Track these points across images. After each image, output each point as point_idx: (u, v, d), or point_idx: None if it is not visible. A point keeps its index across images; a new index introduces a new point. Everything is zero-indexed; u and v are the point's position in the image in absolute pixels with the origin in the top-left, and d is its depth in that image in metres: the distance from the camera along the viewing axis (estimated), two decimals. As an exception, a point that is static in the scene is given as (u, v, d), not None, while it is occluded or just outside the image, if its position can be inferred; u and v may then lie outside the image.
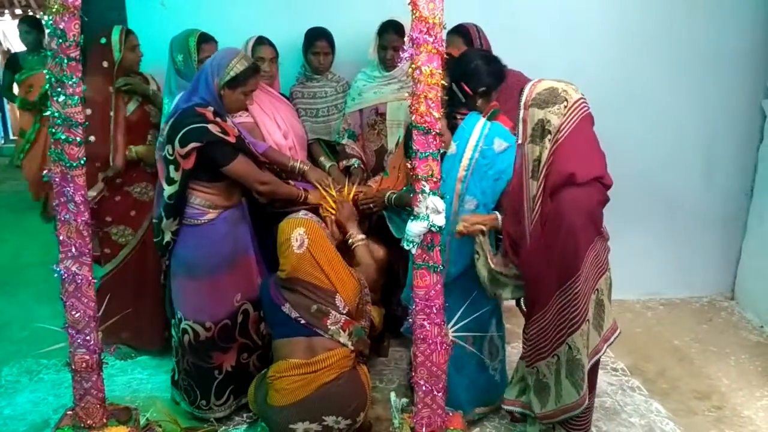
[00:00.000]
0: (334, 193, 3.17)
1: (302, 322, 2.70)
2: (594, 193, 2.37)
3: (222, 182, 2.86)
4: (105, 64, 3.39)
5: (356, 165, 3.49)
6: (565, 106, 2.31)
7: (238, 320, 3.03)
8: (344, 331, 2.73)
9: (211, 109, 2.79)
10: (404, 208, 2.98)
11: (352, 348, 2.75)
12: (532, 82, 2.41)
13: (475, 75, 2.76)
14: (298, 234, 2.68)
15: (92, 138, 3.23)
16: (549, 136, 2.31)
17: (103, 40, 3.37)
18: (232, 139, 2.78)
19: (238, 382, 3.08)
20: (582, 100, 2.35)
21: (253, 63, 2.88)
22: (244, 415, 3.17)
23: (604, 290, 2.44)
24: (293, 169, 3.23)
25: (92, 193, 3.32)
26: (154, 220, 2.98)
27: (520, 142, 2.42)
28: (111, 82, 3.40)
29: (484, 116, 3.09)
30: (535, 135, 2.35)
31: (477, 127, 2.76)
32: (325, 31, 3.53)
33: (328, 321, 2.72)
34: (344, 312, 2.76)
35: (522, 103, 2.37)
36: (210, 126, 2.72)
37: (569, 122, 2.30)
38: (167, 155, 2.78)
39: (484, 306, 2.85)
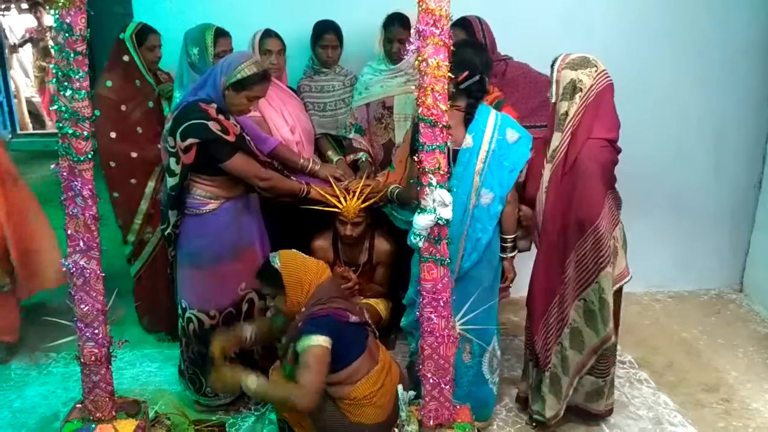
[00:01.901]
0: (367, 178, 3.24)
1: (363, 322, 2.68)
2: (607, 151, 2.68)
3: (223, 176, 2.87)
4: (126, 58, 3.46)
5: (364, 159, 3.48)
6: (596, 71, 2.64)
7: (243, 309, 3.04)
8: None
9: (215, 106, 2.79)
10: (406, 204, 3.00)
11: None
12: (564, 53, 2.71)
13: (485, 64, 2.75)
14: (294, 252, 2.69)
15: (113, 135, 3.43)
16: (580, 93, 2.62)
17: (122, 35, 3.45)
18: (231, 138, 2.77)
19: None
20: (607, 71, 2.67)
21: (263, 71, 2.84)
22: (252, 406, 3.18)
23: (618, 239, 2.76)
24: (303, 168, 3.22)
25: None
26: (162, 208, 3.00)
27: (553, 100, 2.70)
28: (137, 76, 3.49)
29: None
30: (566, 92, 2.64)
31: (491, 119, 2.74)
32: (334, 24, 3.52)
33: (366, 314, 2.78)
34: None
35: (555, 68, 2.68)
36: (210, 123, 2.72)
37: (598, 84, 2.63)
38: (169, 147, 2.80)
39: (491, 301, 2.83)
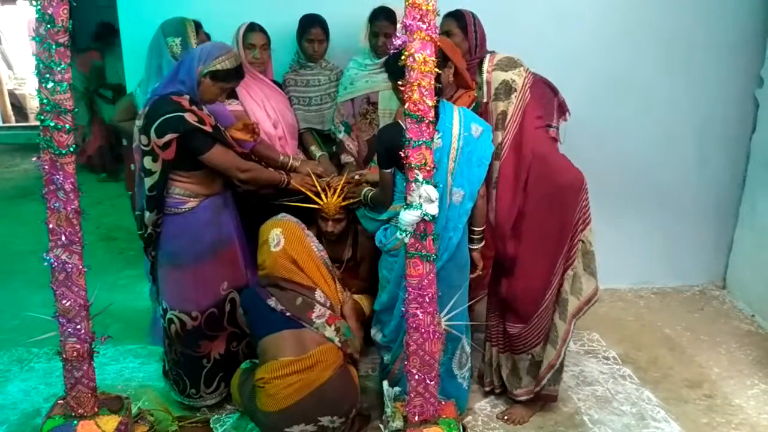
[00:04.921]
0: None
1: (288, 314, 2.74)
2: (546, 133, 2.95)
3: (201, 171, 2.83)
4: None
5: (350, 161, 3.47)
6: (525, 69, 2.79)
7: (225, 309, 3.01)
8: (330, 325, 2.77)
9: (187, 97, 2.75)
10: (376, 206, 3.01)
11: (340, 345, 2.77)
12: (488, 54, 2.85)
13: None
14: (275, 234, 2.83)
15: None
16: (515, 93, 2.75)
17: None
18: (208, 128, 2.74)
19: (227, 369, 3.08)
20: (528, 68, 2.83)
21: (240, 66, 2.84)
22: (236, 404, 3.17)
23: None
24: (283, 165, 3.20)
25: None
26: (136, 213, 2.95)
27: (485, 101, 2.80)
28: None
29: (470, 104, 3.10)
30: (499, 93, 2.76)
31: (455, 115, 2.72)
32: (320, 18, 3.50)
33: (313, 314, 2.77)
34: (327, 306, 2.82)
35: (484, 69, 2.79)
36: (186, 115, 2.68)
37: (528, 82, 2.78)
38: (142, 146, 2.74)
39: (461, 300, 2.82)
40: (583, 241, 2.82)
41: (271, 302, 2.78)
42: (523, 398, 3.05)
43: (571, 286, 2.87)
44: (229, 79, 2.80)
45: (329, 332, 2.75)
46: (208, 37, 3.29)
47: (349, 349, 2.83)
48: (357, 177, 3.22)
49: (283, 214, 2.97)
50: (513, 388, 3.07)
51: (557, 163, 2.78)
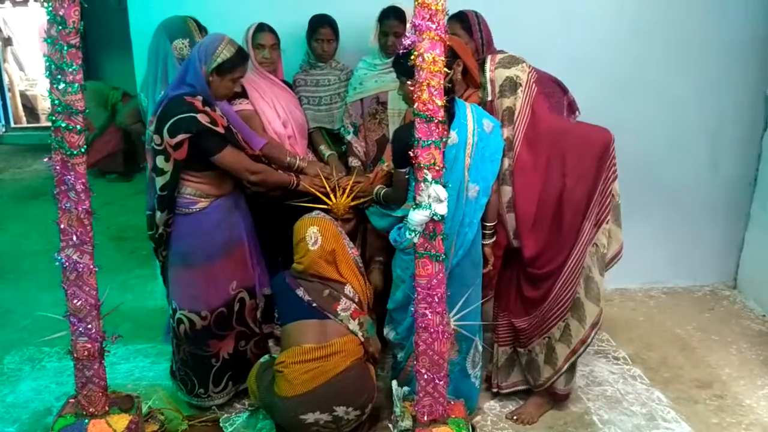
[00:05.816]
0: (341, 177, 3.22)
1: (314, 305, 2.78)
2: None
3: (212, 171, 2.85)
4: None
5: (356, 166, 3.47)
6: (527, 66, 2.85)
7: (234, 308, 3.03)
8: (354, 319, 2.81)
9: (200, 98, 2.75)
10: (389, 205, 3.00)
11: (362, 339, 2.80)
12: (490, 55, 2.92)
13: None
14: (312, 232, 2.83)
15: None
16: (521, 88, 2.80)
17: None
18: (221, 130, 2.75)
19: (235, 368, 3.10)
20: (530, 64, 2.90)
21: (239, 49, 2.84)
22: (246, 402, 3.18)
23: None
24: (290, 166, 3.20)
25: None
26: (147, 212, 2.97)
27: (489, 99, 2.83)
28: None
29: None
30: (504, 90, 2.81)
31: (469, 111, 2.74)
32: (329, 18, 3.50)
33: (339, 307, 2.81)
34: (355, 300, 2.85)
35: (487, 68, 2.84)
36: (199, 116, 2.69)
37: (533, 77, 2.84)
38: (155, 146, 2.76)
39: (475, 298, 2.84)
40: (612, 194, 2.86)
41: (300, 292, 2.82)
42: (547, 384, 3.04)
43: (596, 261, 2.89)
44: (235, 66, 2.80)
45: (353, 325, 2.80)
46: (206, 33, 3.28)
47: (371, 348, 2.86)
48: (379, 173, 3.22)
49: (317, 212, 2.99)
50: (534, 380, 3.08)
51: (582, 129, 2.87)
